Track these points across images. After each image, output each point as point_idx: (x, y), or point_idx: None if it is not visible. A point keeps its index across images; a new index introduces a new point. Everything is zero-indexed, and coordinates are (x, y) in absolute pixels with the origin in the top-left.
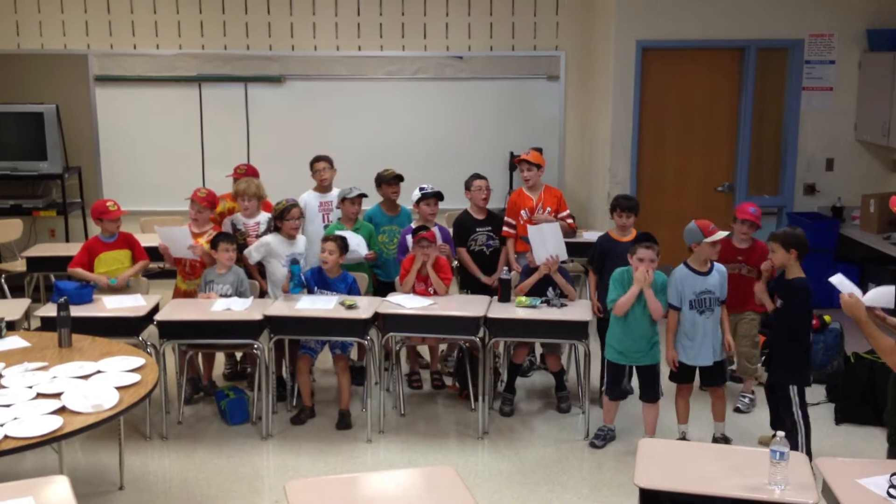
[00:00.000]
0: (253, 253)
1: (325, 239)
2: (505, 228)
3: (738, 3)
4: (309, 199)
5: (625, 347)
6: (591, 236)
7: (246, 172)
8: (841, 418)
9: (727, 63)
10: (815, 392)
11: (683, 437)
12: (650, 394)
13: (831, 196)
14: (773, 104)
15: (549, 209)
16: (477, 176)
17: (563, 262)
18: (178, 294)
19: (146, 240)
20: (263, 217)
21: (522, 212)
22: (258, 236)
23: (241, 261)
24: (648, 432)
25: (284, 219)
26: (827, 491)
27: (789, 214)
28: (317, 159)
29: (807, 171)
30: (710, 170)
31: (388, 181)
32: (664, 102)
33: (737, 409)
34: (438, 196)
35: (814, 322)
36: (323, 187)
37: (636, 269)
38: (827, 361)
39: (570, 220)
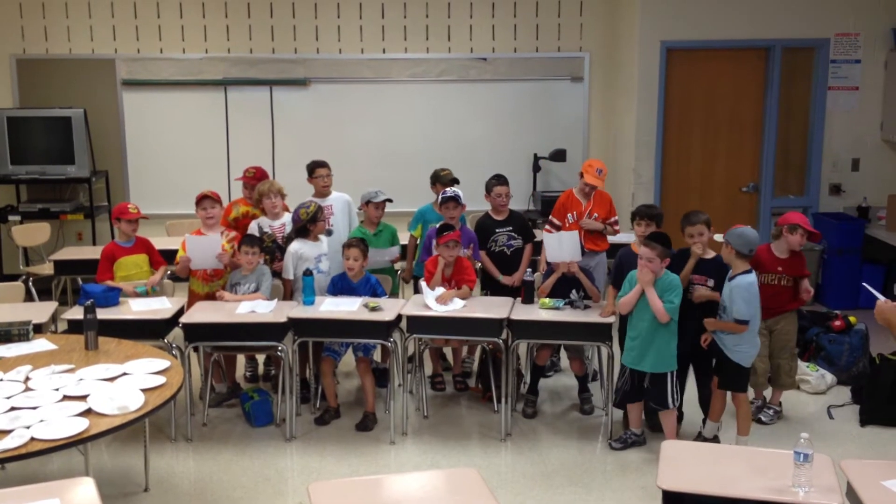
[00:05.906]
0: (290, 268)
1: (348, 245)
2: (547, 227)
3: (762, 2)
4: None
5: (627, 347)
6: (614, 238)
7: (255, 175)
8: (866, 420)
9: (752, 63)
10: (841, 393)
11: (699, 435)
12: (659, 401)
13: (857, 196)
14: (799, 104)
15: (596, 215)
16: (498, 181)
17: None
18: (195, 298)
19: (171, 243)
20: (287, 217)
21: (569, 215)
22: (284, 238)
23: (278, 269)
24: (668, 437)
25: (317, 221)
26: (851, 493)
27: (815, 215)
28: (319, 165)
29: (832, 171)
30: (736, 170)
31: (445, 182)
32: (689, 103)
33: (758, 420)
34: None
35: (838, 322)
36: (322, 193)
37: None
38: (852, 363)
39: (616, 227)
